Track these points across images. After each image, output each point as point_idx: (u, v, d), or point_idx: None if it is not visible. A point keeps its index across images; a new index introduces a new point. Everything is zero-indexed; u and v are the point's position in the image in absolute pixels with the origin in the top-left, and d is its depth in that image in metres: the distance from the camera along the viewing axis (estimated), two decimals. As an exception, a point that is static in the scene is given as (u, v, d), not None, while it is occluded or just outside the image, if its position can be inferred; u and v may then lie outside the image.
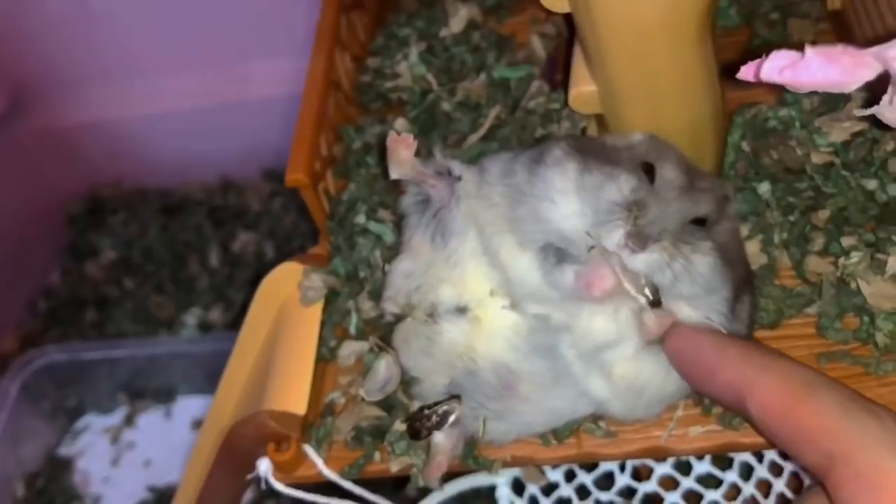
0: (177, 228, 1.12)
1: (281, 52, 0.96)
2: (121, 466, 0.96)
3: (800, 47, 0.58)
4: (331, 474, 0.47)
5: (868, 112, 0.29)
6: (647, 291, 0.39)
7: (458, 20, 0.64)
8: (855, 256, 0.44)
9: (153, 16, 1.01)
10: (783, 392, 0.36)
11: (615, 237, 0.39)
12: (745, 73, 0.27)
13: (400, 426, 0.47)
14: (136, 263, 1.10)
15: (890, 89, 0.26)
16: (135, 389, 1.00)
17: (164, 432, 0.98)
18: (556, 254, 0.42)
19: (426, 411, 0.45)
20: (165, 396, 1.00)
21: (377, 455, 0.47)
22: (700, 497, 0.52)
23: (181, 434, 0.96)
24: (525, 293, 0.44)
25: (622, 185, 0.40)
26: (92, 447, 0.99)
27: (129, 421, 1.00)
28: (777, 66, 0.26)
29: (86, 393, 1.00)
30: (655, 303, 0.40)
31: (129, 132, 1.11)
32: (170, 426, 0.98)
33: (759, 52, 0.58)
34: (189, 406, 0.99)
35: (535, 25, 0.66)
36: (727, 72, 0.31)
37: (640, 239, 0.38)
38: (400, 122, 0.60)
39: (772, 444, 0.43)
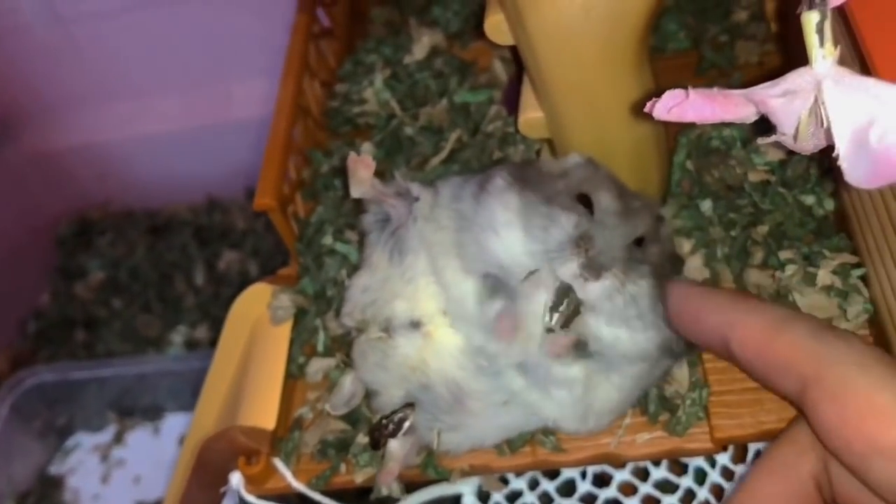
0: (163, 248, 1.13)
1: (263, 74, 0.97)
2: (111, 483, 0.98)
3: (747, 69, 0.61)
4: (299, 486, 0.49)
5: (770, 140, 0.31)
6: (554, 321, 0.41)
7: (421, 47, 0.66)
8: (790, 269, 0.46)
9: (137, 39, 1.03)
10: (761, 328, 0.39)
11: (569, 270, 0.40)
12: (647, 108, 0.30)
13: (363, 439, 0.49)
14: (123, 283, 1.11)
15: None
16: (124, 407, 1.02)
17: (153, 449, 0.99)
18: (493, 283, 0.43)
19: (384, 421, 0.47)
20: (154, 414, 1.02)
21: (343, 467, 0.49)
22: (658, 501, 0.53)
23: (169, 450, 0.97)
24: (464, 316, 0.45)
25: (565, 223, 0.41)
26: (82, 465, 1.00)
27: (118, 438, 1.01)
28: (667, 106, 0.28)
29: (76, 412, 1.01)
30: (565, 325, 0.41)
31: (115, 154, 1.13)
32: (158, 443, 1.00)
33: (707, 74, 0.62)
34: (177, 423, 1.00)
35: (498, 49, 0.67)
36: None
37: (594, 269, 0.40)
38: (366, 147, 0.62)
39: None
